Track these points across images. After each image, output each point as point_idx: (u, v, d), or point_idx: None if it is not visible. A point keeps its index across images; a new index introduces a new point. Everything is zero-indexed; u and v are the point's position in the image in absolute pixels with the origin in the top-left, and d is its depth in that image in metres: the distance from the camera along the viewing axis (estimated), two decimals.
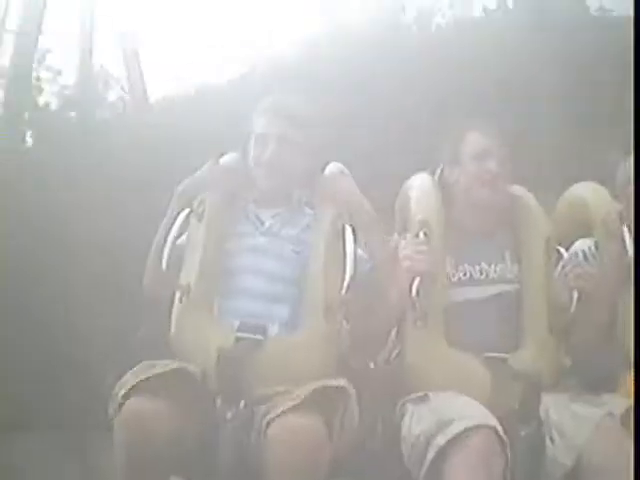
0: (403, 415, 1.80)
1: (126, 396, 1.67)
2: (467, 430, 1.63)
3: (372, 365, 1.95)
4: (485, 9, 4.80)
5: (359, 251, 1.95)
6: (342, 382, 1.73)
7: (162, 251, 1.90)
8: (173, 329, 1.88)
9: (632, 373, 1.75)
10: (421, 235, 1.90)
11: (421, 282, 1.83)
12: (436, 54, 3.74)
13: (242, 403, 1.73)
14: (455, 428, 1.63)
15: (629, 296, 2.07)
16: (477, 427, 1.63)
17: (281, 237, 1.98)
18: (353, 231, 1.88)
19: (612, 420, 1.72)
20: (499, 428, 1.66)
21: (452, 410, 1.70)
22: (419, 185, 2.06)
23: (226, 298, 1.92)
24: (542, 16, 4.01)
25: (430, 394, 1.79)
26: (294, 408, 1.64)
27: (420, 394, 1.80)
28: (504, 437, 1.66)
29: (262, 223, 2.00)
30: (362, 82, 3.69)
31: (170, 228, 1.92)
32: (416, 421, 1.74)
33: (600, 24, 3.98)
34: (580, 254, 2.16)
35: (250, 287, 1.91)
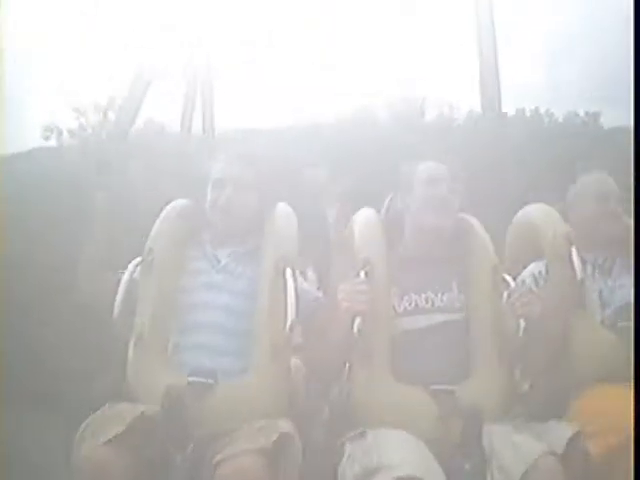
0: (342, 456, 1.80)
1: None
2: None
3: (325, 407, 1.97)
4: (502, 116, 4.83)
5: (307, 288, 1.99)
6: (286, 427, 1.76)
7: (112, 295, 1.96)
8: (128, 373, 1.94)
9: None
10: (362, 274, 1.90)
11: (363, 321, 1.82)
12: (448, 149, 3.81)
13: (190, 447, 1.78)
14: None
15: (580, 317, 2.09)
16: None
17: (236, 275, 2.04)
18: (293, 273, 1.91)
19: (551, 458, 1.70)
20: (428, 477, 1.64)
21: (383, 455, 1.69)
22: (362, 221, 2.07)
23: (183, 334, 1.96)
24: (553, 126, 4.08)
25: (368, 431, 1.79)
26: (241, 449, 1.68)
27: (358, 431, 1.81)
28: None
29: (219, 261, 2.06)
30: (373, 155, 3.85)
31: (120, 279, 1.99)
32: (350, 464, 1.75)
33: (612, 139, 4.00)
34: (528, 279, 2.17)
35: (207, 321, 1.97)
